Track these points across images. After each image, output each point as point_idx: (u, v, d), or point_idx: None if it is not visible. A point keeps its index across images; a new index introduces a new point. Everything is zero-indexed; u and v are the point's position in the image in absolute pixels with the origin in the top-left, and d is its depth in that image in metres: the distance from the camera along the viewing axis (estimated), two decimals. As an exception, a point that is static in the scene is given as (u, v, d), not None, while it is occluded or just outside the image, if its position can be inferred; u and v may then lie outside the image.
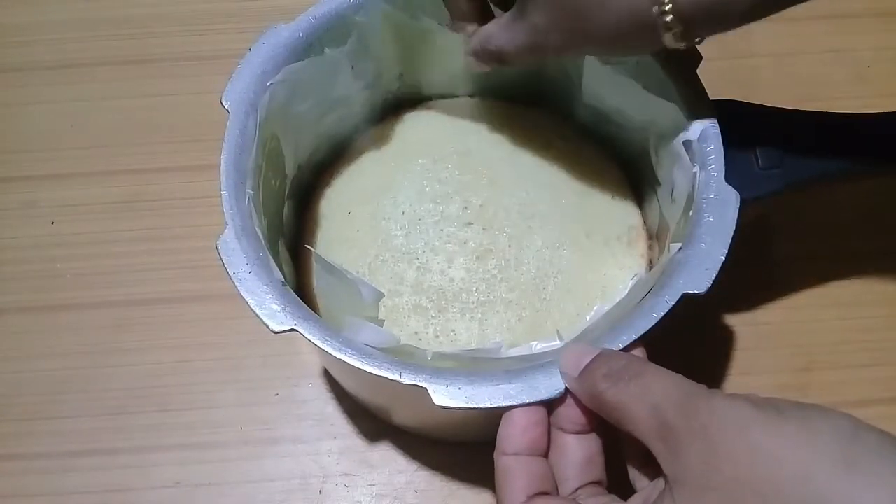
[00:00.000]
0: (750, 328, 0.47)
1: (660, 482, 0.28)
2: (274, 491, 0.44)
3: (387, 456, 0.45)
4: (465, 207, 0.43)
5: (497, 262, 0.42)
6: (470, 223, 0.43)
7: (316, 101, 0.41)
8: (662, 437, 0.26)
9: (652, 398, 0.27)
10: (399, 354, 0.32)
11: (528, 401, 0.31)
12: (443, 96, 0.47)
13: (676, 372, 0.28)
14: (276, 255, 0.36)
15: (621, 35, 0.32)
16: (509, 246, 0.42)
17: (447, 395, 0.31)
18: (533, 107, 0.46)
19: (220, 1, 0.58)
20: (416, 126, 0.46)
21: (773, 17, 0.30)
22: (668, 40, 0.31)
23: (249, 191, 0.35)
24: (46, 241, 0.50)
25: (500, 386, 0.31)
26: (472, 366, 0.33)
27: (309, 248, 0.35)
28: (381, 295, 0.33)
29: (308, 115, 0.42)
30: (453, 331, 0.40)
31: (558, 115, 0.46)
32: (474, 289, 0.41)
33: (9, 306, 0.49)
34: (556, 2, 0.32)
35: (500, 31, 0.36)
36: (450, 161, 0.44)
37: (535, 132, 0.45)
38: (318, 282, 0.34)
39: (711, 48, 0.38)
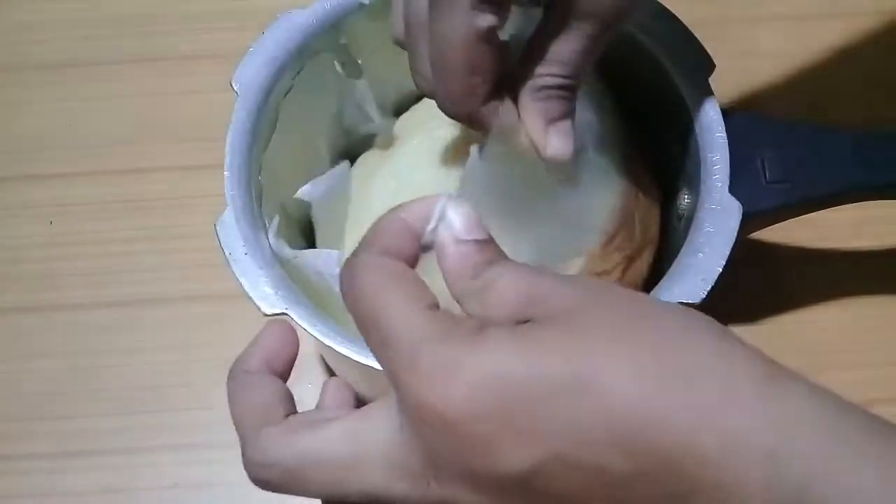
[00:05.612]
0: (750, 328, 0.47)
1: None
2: (274, 491, 0.44)
3: (387, 456, 0.45)
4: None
5: None
6: None
7: (328, 100, 0.42)
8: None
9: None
10: None
11: None
12: None
13: None
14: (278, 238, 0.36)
15: None
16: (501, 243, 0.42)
17: None
18: None
19: (220, 0, 0.57)
20: (428, 118, 0.45)
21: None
22: None
23: (259, 177, 0.36)
24: (45, 241, 0.50)
25: None
26: None
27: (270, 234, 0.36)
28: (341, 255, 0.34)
29: (322, 109, 0.42)
30: None
31: None
32: None
33: (9, 306, 0.49)
34: None
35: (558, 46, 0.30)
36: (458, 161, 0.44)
37: None
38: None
39: (711, 48, 0.38)
